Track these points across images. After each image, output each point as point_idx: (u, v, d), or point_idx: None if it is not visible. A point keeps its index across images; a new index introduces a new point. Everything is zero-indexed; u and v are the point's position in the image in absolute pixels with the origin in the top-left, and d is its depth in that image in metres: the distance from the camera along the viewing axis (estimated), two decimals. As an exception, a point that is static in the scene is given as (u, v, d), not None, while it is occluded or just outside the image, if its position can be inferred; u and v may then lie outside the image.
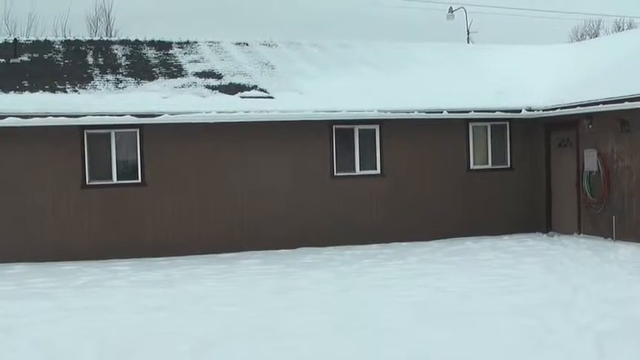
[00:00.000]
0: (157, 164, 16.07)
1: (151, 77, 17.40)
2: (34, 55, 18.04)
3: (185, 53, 19.27)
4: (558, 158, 18.18)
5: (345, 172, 17.27)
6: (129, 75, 17.44)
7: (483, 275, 12.66)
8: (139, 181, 16.06)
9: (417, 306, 10.32)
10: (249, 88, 17.25)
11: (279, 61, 19.40)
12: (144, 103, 15.95)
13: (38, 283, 12.83)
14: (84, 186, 15.74)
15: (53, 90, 16.16)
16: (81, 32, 36.74)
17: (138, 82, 17.04)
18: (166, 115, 15.70)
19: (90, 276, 13.51)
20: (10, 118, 14.91)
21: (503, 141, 18.47)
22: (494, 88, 18.74)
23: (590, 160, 16.80)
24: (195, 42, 20.21)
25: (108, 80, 17.00)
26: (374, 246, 16.56)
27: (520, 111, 18.07)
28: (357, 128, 17.33)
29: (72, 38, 20.11)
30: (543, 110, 17.89)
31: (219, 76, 17.81)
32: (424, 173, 17.69)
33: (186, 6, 47.27)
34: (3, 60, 17.40)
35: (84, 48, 19.00)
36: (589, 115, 16.72)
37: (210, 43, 20.26)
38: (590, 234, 16.96)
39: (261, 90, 17.25)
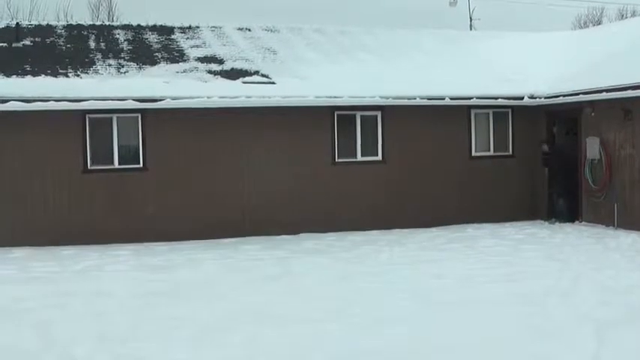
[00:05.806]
0: (159, 149, 16.05)
1: (153, 62, 17.37)
2: (36, 39, 18.01)
3: (187, 38, 19.23)
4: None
5: (346, 158, 17.24)
6: (131, 60, 17.41)
7: (484, 262, 12.66)
8: (141, 165, 16.05)
9: (417, 293, 10.31)
10: (251, 74, 17.21)
11: (281, 46, 19.36)
12: (146, 87, 15.91)
13: (39, 268, 12.84)
14: (85, 170, 15.73)
15: (55, 74, 16.14)
16: (83, 17, 36.63)
17: (140, 67, 17.01)
18: (168, 100, 15.67)
19: (90, 260, 13.52)
20: (12, 102, 14.88)
21: (505, 128, 18.43)
22: (496, 75, 18.70)
23: (593, 148, 16.77)
24: (198, 27, 20.18)
25: (110, 65, 16.98)
26: (375, 232, 16.55)
27: (522, 98, 18.03)
28: (358, 114, 17.28)
29: (74, 23, 20.11)
30: (545, 98, 17.84)
31: (221, 62, 17.77)
32: (426, 160, 17.66)
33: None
34: (5, 44, 17.38)
35: (86, 33, 18.98)
36: (591, 103, 16.68)
37: (213, 28, 20.22)
38: (591, 222, 16.96)
39: (263, 75, 17.22)
